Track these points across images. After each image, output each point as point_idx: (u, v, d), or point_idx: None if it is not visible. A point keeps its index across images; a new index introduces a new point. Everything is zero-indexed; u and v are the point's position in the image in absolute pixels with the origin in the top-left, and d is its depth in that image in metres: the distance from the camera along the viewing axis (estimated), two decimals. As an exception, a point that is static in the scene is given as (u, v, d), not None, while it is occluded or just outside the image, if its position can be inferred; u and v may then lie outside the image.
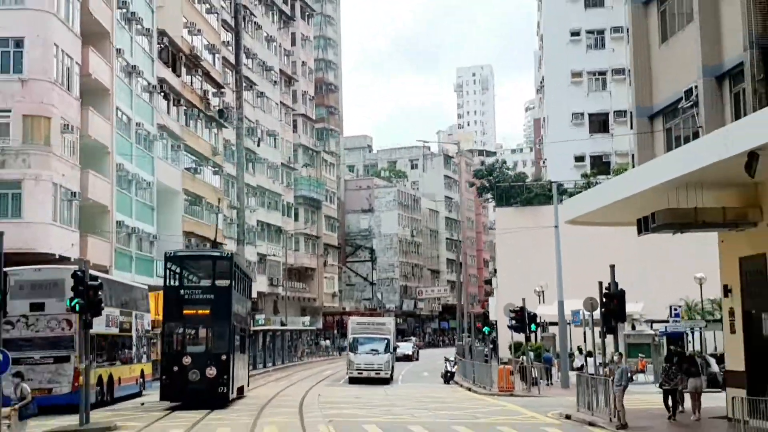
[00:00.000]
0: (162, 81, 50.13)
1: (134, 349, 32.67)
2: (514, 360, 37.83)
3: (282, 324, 67.62)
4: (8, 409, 15.26)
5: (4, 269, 17.49)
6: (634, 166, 28.02)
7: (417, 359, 65.15)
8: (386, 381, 40.79)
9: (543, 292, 43.21)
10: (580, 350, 37.44)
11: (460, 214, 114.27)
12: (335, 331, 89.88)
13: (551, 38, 62.60)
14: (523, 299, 33.20)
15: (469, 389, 35.95)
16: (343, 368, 46.69)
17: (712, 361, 30.24)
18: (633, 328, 40.60)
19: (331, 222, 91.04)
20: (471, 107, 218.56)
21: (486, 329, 52.49)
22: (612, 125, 61.09)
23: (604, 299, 21.72)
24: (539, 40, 67.33)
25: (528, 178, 64.71)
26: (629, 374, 21.66)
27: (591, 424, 21.11)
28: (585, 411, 22.85)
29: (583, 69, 61.05)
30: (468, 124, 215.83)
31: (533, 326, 33.02)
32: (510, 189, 53.50)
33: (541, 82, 66.34)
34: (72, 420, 21.20)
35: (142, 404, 28.04)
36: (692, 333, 33.83)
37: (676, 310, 34.12)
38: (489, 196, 60.39)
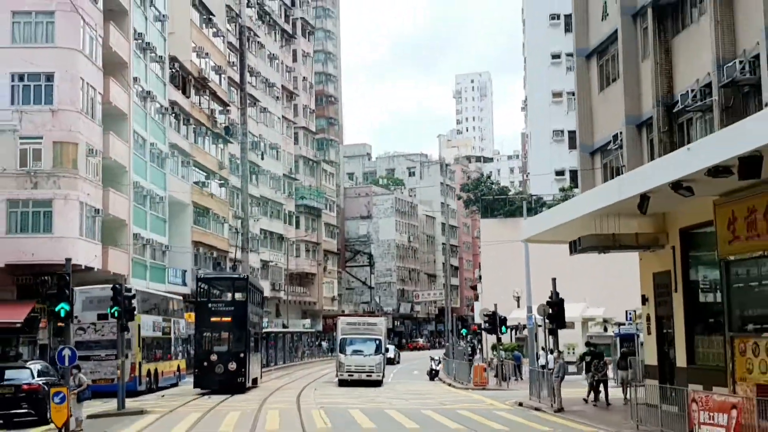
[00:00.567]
0: (173, 103, 54.63)
1: (173, 348, 40.39)
2: (489, 358, 42.33)
3: (283, 326, 72.09)
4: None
5: (77, 288, 22.37)
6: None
7: (398, 362, 65.56)
8: (378, 383, 39.67)
9: (519, 297, 47.60)
10: (543, 349, 41.84)
11: (457, 219, 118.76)
12: (334, 334, 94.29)
13: (534, 60, 67.03)
14: (495, 305, 37.70)
15: (450, 385, 40.41)
16: (339, 368, 50.42)
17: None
18: (605, 330, 45.15)
19: (330, 229, 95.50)
20: (470, 113, 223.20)
21: (464, 331, 56.85)
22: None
23: (548, 306, 26.17)
24: (524, 62, 71.74)
25: (511, 191, 69.04)
26: (566, 368, 26.10)
27: (536, 409, 25.57)
28: (535, 399, 27.33)
29: (563, 89, 65.23)
30: (467, 130, 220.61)
31: (503, 329, 37.43)
32: (494, 202, 57.92)
33: (524, 101, 70.80)
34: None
35: (162, 396, 32.53)
36: (640, 334, 38.18)
37: (630, 314, 38.43)
38: (474, 208, 64.83)
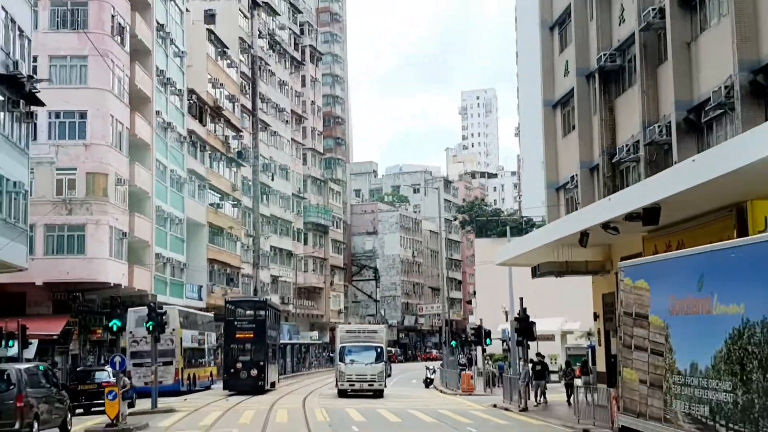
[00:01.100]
0: (191, 132, 59.33)
1: (206, 357, 48.54)
2: (479, 368, 46.70)
3: (291, 338, 76.68)
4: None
5: (131, 309, 27.28)
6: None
7: (389, 375, 69.01)
8: (379, 393, 39.05)
9: (507, 312, 51.97)
10: (520, 359, 46.35)
11: (460, 235, 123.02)
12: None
13: (526, 90, 71.64)
14: (480, 319, 42.25)
15: (441, 391, 44.82)
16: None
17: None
18: (589, 341, 49.50)
19: (337, 245, 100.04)
20: (475, 129, 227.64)
21: (453, 343, 61.28)
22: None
23: (516, 322, 30.62)
24: (516, 92, 76.45)
25: (508, 209, 73.48)
26: (531, 374, 30.52)
27: (506, 409, 30.00)
28: (507, 401, 31.75)
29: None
30: (472, 146, 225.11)
31: (488, 341, 41.80)
32: (487, 222, 62.38)
33: (517, 128, 75.43)
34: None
35: (185, 399, 37.02)
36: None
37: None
38: (469, 228, 69.36)
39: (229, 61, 69.28)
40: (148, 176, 50.65)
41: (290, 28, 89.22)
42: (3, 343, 30.45)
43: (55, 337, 40.96)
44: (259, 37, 77.41)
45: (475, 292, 61.59)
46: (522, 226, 56.82)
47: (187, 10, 61.56)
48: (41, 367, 23.47)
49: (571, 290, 47.20)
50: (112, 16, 45.26)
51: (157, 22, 53.03)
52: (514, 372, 43.59)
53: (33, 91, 30.87)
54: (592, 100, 28.85)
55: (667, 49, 22.93)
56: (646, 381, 13.94)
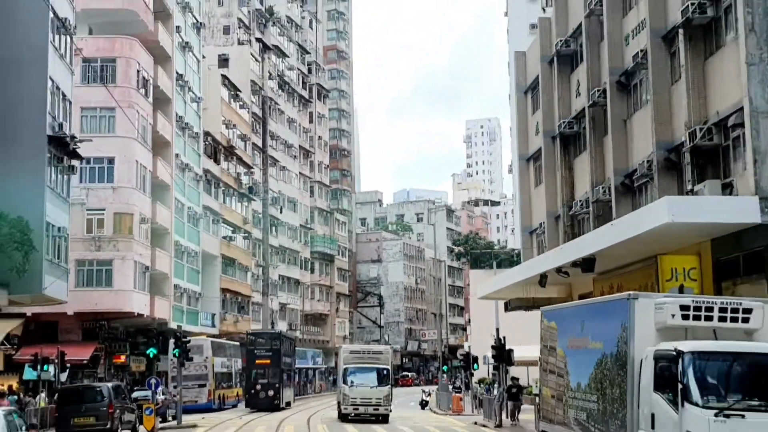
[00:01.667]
0: (206, 171, 64.18)
1: (233, 380, 56.07)
2: (471, 391, 51.02)
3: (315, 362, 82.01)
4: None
5: (171, 340, 32.93)
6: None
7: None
8: (385, 418, 36.95)
9: (504, 337, 56.47)
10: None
11: (461, 263, 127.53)
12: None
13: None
14: (469, 346, 46.73)
15: (435, 412, 49.16)
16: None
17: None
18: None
19: (342, 273, 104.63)
20: (479, 157, 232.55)
21: (444, 368, 65.74)
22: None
23: (493, 349, 35.14)
24: (509, 131, 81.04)
25: (498, 244, 78.06)
26: (506, 395, 34.98)
27: (484, 426, 34.41)
28: (486, 420, 36.16)
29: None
30: (476, 173, 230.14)
31: (476, 366, 46.24)
32: (481, 255, 66.96)
33: (510, 165, 79.95)
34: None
35: (203, 417, 41.55)
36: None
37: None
38: (464, 260, 73.92)
39: (241, 103, 74.20)
40: (168, 214, 55.38)
41: (298, 68, 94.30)
42: (39, 366, 35.16)
43: (85, 361, 45.64)
44: (269, 78, 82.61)
45: (469, 320, 65.95)
46: (513, 259, 61.29)
47: (203, 57, 66.59)
48: (120, 385, 31.20)
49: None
50: (138, 71, 50.17)
51: (177, 73, 58.02)
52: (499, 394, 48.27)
53: (75, 148, 35.62)
54: (556, 158, 33.51)
55: (608, 123, 27.60)
56: (554, 396, 18.50)
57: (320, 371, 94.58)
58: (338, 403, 38.66)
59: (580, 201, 30.24)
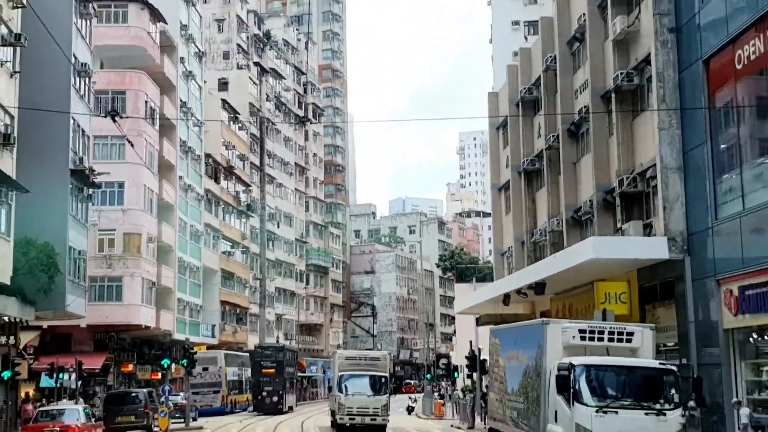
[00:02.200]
0: (207, 191, 68.37)
1: (244, 387, 62.93)
2: (455, 397, 55.15)
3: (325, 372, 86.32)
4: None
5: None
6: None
7: None
8: (382, 429, 34.87)
9: (480, 349, 60.66)
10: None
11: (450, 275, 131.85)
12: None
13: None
14: (449, 355, 50.78)
15: (419, 416, 53.35)
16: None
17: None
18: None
19: (336, 284, 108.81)
20: (472, 168, 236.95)
21: (428, 376, 69.93)
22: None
23: (467, 359, 39.36)
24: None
25: (487, 257, 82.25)
26: (480, 400, 39.16)
27: (459, 428, 38.63)
28: (462, 422, 40.40)
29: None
30: (470, 184, 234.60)
31: (456, 374, 50.43)
32: (466, 269, 71.23)
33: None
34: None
35: (207, 422, 45.71)
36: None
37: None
38: (450, 274, 78.16)
39: (240, 125, 78.45)
40: (172, 232, 59.55)
41: (294, 89, 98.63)
42: (55, 375, 39.20)
43: (97, 370, 49.71)
44: (267, 100, 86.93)
45: (455, 331, 70.13)
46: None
47: (204, 81, 70.83)
48: (152, 391, 37.33)
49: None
50: (146, 102, 54.40)
51: (181, 100, 62.25)
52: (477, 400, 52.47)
53: (93, 179, 39.84)
54: (522, 191, 37.80)
55: (561, 165, 31.91)
56: (497, 399, 22.79)
57: (327, 379, 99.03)
58: (332, 411, 36.48)
59: (540, 230, 34.52)
